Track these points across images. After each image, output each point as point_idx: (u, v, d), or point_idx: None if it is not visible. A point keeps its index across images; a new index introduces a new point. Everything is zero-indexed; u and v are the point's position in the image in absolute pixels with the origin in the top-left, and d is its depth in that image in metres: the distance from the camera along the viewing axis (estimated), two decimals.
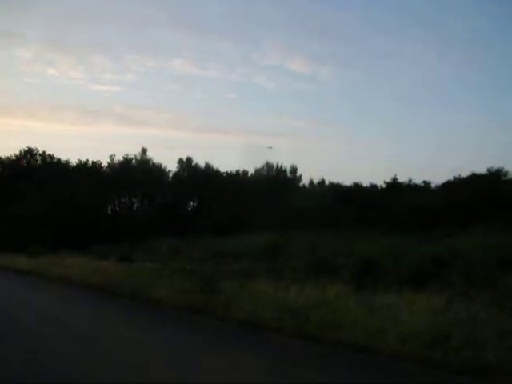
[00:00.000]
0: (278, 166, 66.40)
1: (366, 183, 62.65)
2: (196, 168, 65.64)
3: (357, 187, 59.45)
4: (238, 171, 66.66)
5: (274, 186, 59.96)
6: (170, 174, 64.84)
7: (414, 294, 12.57)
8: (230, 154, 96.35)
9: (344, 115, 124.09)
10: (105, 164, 61.43)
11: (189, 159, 65.79)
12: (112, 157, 60.69)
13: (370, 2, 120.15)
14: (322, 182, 67.35)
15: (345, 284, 13.92)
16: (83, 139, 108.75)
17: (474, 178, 54.90)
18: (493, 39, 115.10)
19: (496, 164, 56.64)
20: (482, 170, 56.68)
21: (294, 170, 66.72)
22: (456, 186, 55.12)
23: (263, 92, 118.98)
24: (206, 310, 13.16)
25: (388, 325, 9.60)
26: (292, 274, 16.29)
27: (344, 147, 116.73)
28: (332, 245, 24.12)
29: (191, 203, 66.43)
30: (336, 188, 60.78)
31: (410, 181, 59.39)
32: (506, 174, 55.61)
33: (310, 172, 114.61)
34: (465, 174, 57.60)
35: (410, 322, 9.57)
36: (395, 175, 59.51)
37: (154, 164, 63.19)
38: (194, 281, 15.82)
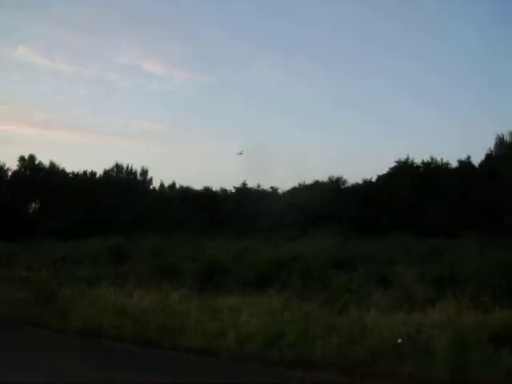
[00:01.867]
0: (128, 167, 64.61)
1: (216, 187, 63.82)
2: (39, 167, 61.17)
3: (207, 191, 60.20)
4: (85, 172, 63.40)
5: (123, 188, 58.24)
6: (9, 173, 59.51)
7: (256, 296, 13.09)
8: (79, 153, 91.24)
9: (198, 120, 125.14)
10: None
11: (31, 157, 60.85)
12: None
13: (226, 11, 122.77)
14: (173, 185, 66.81)
15: (189, 288, 13.97)
16: None
17: (317, 185, 59.07)
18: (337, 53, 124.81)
19: (337, 172, 61.86)
20: (324, 177, 61.36)
21: (144, 172, 65.29)
22: (300, 192, 58.68)
23: (116, 91, 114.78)
24: (41, 320, 12.26)
25: (228, 327, 9.87)
26: (137, 279, 15.90)
27: (197, 151, 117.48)
28: (180, 248, 24.10)
29: (33, 205, 61.61)
30: (186, 192, 60.86)
31: (258, 186, 61.73)
32: (344, 182, 60.97)
33: (162, 175, 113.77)
34: (309, 181, 61.73)
35: (248, 324, 9.94)
36: (245, 180, 61.42)
37: None
38: (29, 289, 14.67)
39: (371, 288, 13.25)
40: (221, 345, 9.16)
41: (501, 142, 56.37)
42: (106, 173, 63.79)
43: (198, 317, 10.65)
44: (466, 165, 58.98)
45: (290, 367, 8.30)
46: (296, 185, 62.40)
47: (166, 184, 66.22)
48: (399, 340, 8.28)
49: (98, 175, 63.92)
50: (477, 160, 59.70)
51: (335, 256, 19.44)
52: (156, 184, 66.47)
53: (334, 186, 58.95)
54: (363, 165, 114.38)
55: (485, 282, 11.01)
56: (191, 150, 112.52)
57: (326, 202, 52.04)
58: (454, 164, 59.92)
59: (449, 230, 41.24)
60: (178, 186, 65.71)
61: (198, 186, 63.59)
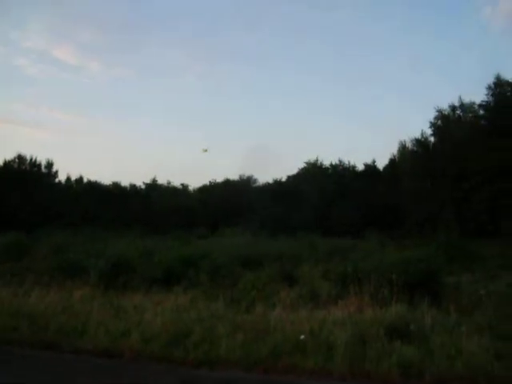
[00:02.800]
0: (31, 159, 61.07)
1: (125, 183, 62.11)
2: None
3: (116, 186, 58.44)
4: None
5: (26, 180, 55.04)
6: None
7: (162, 294, 12.92)
8: None
9: (112, 112, 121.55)
10: None
11: None
12: None
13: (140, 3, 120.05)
14: (81, 179, 64.08)
15: (93, 286, 13.48)
16: None
17: (227, 183, 59.41)
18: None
19: (247, 172, 62.64)
20: (234, 176, 61.95)
21: (49, 164, 62.02)
22: (211, 190, 58.71)
23: (23, 77, 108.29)
24: None
25: (132, 326, 9.61)
26: (37, 277, 15.04)
27: (108, 145, 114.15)
28: (85, 245, 23.27)
29: None
30: (94, 186, 58.67)
31: (169, 183, 60.98)
32: (255, 181, 61.92)
33: (70, 168, 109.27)
34: (220, 179, 62.00)
35: (154, 323, 9.74)
36: (155, 177, 60.35)
37: None
38: None
39: (277, 286, 13.52)
40: (124, 345, 8.88)
41: (403, 148, 59.89)
42: (7, 164, 59.96)
43: (100, 316, 10.25)
44: (371, 168, 62.14)
45: (195, 366, 8.23)
46: (206, 182, 62.60)
47: (73, 178, 63.50)
48: (302, 336, 8.50)
49: None
50: (381, 164, 63.30)
51: (244, 254, 19.64)
52: (62, 177, 63.56)
53: (245, 184, 59.65)
54: (275, 165, 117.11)
55: (384, 278, 11.53)
56: (103, 142, 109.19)
57: (237, 200, 52.51)
58: (361, 167, 63.00)
59: (354, 229, 43.20)
60: (85, 179, 63.30)
61: (107, 180, 61.78)
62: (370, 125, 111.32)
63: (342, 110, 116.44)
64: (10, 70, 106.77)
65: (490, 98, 47.50)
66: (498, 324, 9.17)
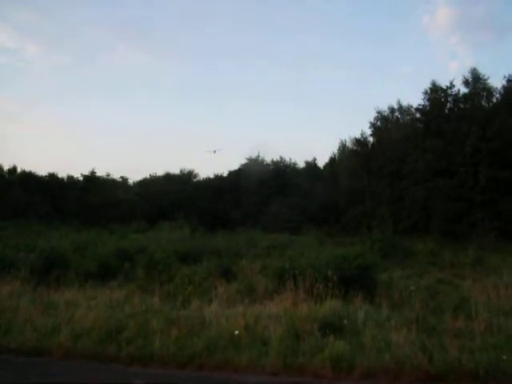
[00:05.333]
0: None
1: (62, 174, 59.75)
2: None
3: (52, 178, 56.07)
4: None
5: None
6: None
7: (97, 289, 12.61)
8: None
9: (48, 99, 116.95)
10: None
11: None
12: None
13: None
14: (14, 169, 61.04)
15: (24, 281, 12.95)
16: None
17: (168, 177, 58.68)
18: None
19: (188, 166, 62.17)
20: (175, 170, 61.34)
21: None
22: (151, 184, 57.80)
23: None
24: None
25: (63, 323, 9.30)
26: None
27: (44, 134, 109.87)
28: (17, 238, 22.34)
29: None
30: (28, 177, 55.93)
31: (108, 175, 59.27)
32: (195, 175, 61.51)
33: (2, 157, 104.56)
34: (160, 172, 61.23)
35: (86, 319, 9.46)
36: (93, 168, 58.46)
37: None
38: None
39: (215, 281, 13.48)
40: (53, 342, 8.57)
41: (343, 148, 61.21)
42: None
43: (28, 313, 9.83)
44: (311, 166, 63.21)
45: (127, 363, 8.05)
46: (147, 176, 61.64)
47: (6, 167, 60.38)
48: (236, 331, 8.50)
49: None
50: (322, 162, 64.58)
51: (182, 249, 19.46)
52: None
53: (186, 178, 59.08)
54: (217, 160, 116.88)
55: (320, 274, 11.71)
56: (40, 132, 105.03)
57: (177, 194, 51.98)
58: (302, 165, 63.98)
59: (293, 225, 43.72)
60: (19, 170, 60.36)
61: (43, 171, 59.30)
62: (313, 124, 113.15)
63: (286, 109, 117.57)
64: None
65: (426, 102, 49.32)
66: (424, 317, 9.52)
